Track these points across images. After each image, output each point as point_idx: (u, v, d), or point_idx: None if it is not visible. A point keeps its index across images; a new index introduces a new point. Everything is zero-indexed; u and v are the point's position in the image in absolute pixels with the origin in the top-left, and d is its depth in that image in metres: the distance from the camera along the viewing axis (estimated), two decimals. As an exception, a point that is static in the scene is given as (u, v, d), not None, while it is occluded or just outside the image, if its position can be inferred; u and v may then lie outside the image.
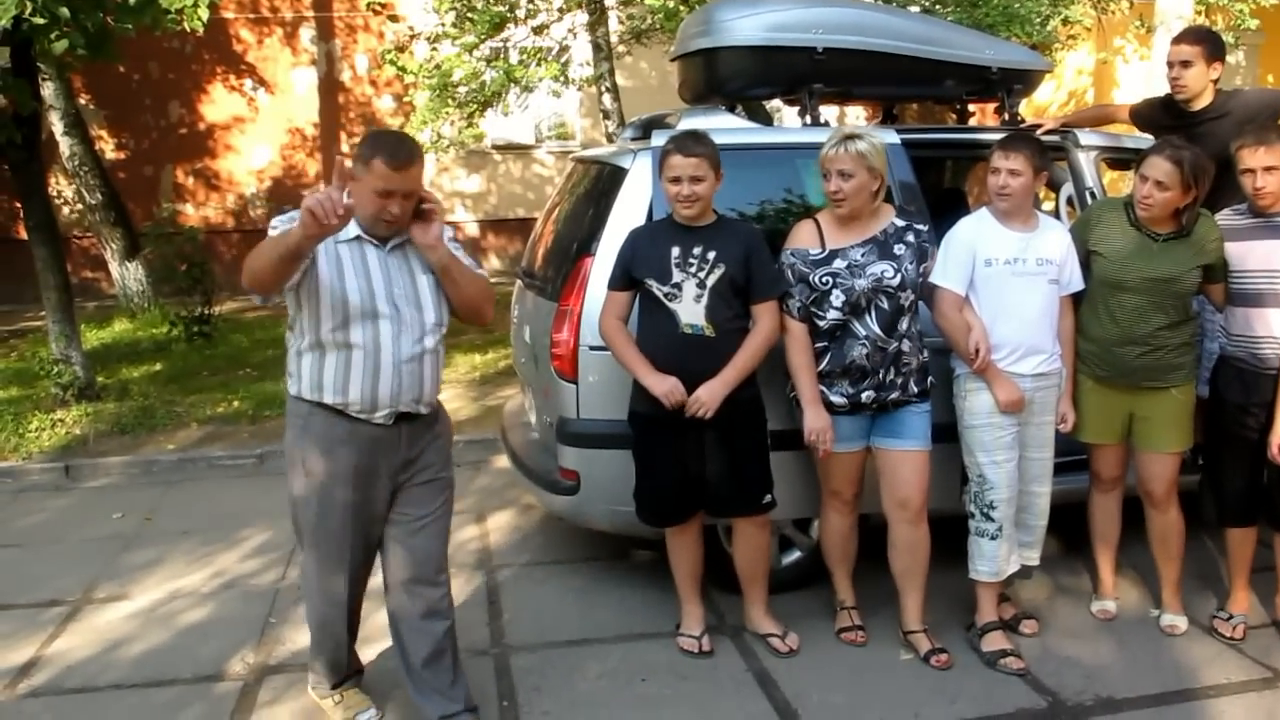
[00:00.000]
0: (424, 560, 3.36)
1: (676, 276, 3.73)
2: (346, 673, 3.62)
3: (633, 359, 3.78)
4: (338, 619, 3.44)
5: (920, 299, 3.91)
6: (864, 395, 3.84)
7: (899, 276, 3.78)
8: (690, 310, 3.72)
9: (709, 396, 3.69)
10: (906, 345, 3.84)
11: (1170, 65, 4.53)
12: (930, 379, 3.97)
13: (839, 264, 3.80)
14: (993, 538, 3.92)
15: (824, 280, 3.79)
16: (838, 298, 3.78)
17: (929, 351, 3.97)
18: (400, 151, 2.99)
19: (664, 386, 3.70)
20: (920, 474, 3.90)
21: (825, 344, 3.85)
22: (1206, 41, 4.49)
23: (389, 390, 3.15)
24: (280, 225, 3.02)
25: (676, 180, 3.71)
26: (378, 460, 3.24)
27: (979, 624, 4.01)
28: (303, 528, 3.35)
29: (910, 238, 3.87)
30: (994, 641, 3.94)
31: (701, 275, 3.72)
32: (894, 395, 3.85)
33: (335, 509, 3.24)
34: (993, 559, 3.94)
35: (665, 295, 3.73)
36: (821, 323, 3.82)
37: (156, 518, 5.74)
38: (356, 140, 14.12)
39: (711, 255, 3.73)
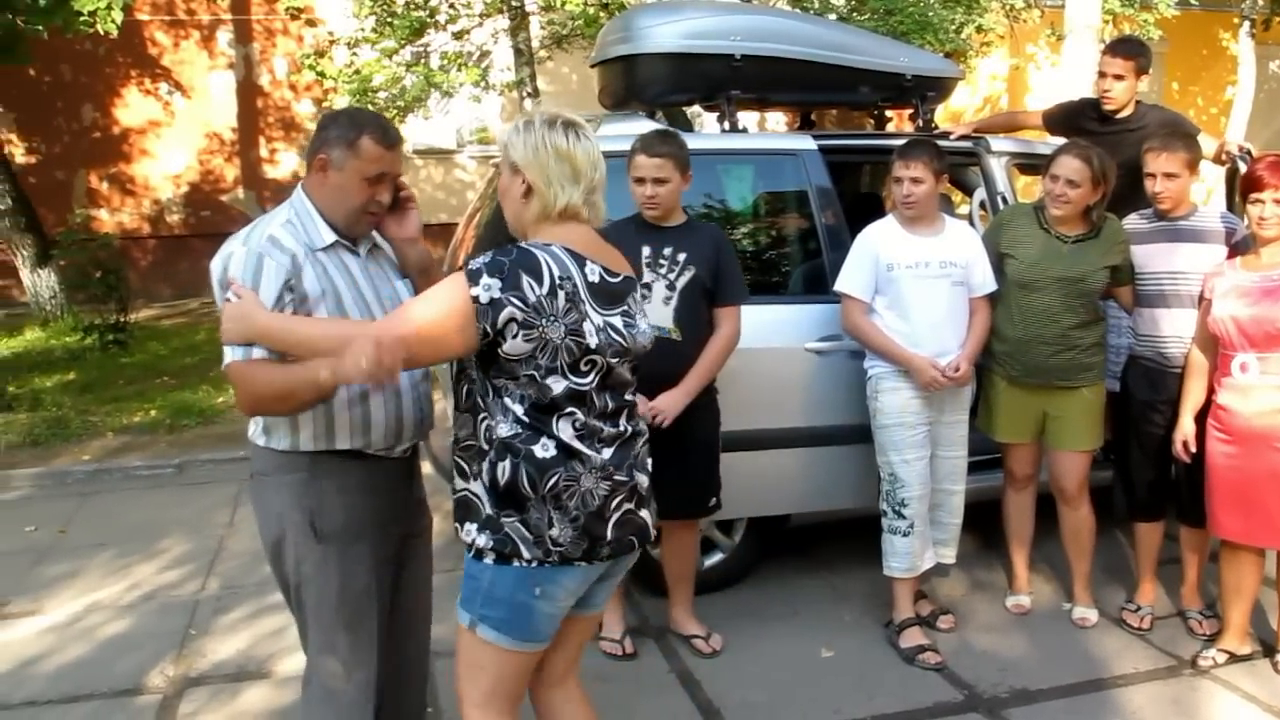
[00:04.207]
0: (424, 629, 2.88)
1: (647, 277, 3.69)
2: None
3: None
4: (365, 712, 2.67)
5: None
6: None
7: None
8: (658, 312, 3.68)
9: (669, 407, 3.65)
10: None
11: (1102, 75, 4.63)
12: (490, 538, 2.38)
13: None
14: (905, 535, 3.98)
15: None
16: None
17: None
18: (390, 126, 2.57)
19: (641, 408, 3.62)
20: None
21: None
22: (1138, 57, 4.60)
23: (412, 417, 2.64)
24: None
25: (641, 181, 3.69)
26: (396, 505, 2.70)
27: (896, 620, 4.07)
28: (313, 609, 2.60)
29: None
30: (911, 637, 4.01)
31: (671, 277, 3.70)
32: None
33: (359, 574, 2.59)
34: (906, 555, 4.00)
35: None
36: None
37: (71, 530, 5.62)
38: (276, 145, 14.05)
39: (682, 257, 3.71)
